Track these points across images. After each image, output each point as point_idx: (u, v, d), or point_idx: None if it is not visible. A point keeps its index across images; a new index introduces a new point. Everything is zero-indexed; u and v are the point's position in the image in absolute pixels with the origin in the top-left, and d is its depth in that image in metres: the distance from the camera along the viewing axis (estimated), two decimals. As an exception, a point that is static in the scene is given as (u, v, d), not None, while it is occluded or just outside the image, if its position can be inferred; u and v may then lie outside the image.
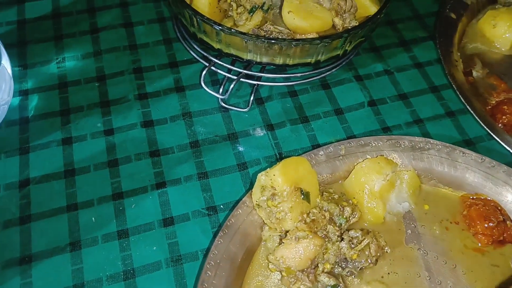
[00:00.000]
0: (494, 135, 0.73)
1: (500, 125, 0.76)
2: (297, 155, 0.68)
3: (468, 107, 0.76)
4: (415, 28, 0.91)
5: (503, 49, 0.86)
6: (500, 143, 0.73)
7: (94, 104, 0.75)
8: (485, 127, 0.74)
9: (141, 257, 0.61)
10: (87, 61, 0.80)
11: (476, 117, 0.75)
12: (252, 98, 0.75)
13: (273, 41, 0.66)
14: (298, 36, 0.71)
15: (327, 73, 0.78)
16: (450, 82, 0.80)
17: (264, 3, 0.73)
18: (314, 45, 0.67)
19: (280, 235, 0.60)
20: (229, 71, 0.76)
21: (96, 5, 0.88)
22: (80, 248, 0.61)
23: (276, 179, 0.59)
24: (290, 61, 0.70)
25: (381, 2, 0.77)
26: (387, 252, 0.62)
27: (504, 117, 0.76)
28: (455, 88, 0.78)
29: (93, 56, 0.81)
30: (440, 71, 0.84)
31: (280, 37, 0.70)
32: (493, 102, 0.80)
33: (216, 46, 0.71)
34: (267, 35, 0.70)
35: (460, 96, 0.77)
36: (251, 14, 0.72)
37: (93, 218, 0.64)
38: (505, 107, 0.77)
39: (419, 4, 0.95)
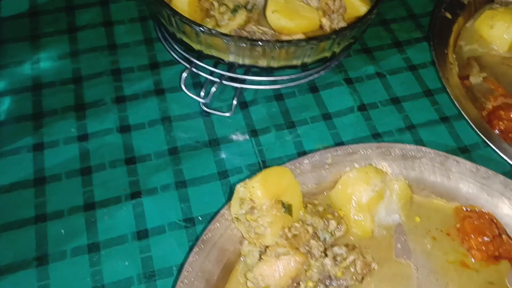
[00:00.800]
0: (490, 143, 0.69)
1: (496, 131, 0.72)
2: (281, 164, 0.64)
3: (462, 112, 0.72)
4: (409, 28, 0.87)
5: (501, 51, 0.82)
6: (496, 152, 0.69)
7: (68, 108, 0.71)
8: (480, 134, 0.70)
9: (112, 272, 0.58)
10: (64, 61, 0.76)
11: (471, 124, 0.71)
12: (235, 102, 0.71)
13: (255, 42, 0.62)
14: (283, 37, 0.68)
15: (315, 75, 0.74)
16: (444, 85, 0.76)
17: (248, 2, 0.69)
18: (300, 47, 0.63)
19: (260, 251, 0.56)
20: (211, 73, 0.72)
21: (75, 2, 0.84)
22: (47, 263, 0.57)
23: (255, 191, 0.55)
24: (274, 64, 0.66)
25: (372, 2, 0.73)
26: (374, 269, 0.59)
27: (501, 123, 0.73)
28: (449, 92, 0.74)
29: (70, 56, 0.77)
30: (434, 74, 0.80)
31: (263, 38, 0.66)
32: (490, 107, 0.76)
33: (197, 47, 0.67)
34: (250, 36, 0.66)
35: (454, 100, 0.73)
36: (234, 13, 0.68)
37: (62, 230, 0.60)
38: (502, 112, 0.74)
39: (415, 4, 0.91)
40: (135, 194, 0.64)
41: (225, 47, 0.64)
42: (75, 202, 0.62)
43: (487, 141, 0.70)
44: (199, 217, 0.63)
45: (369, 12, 0.67)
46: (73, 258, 0.58)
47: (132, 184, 0.65)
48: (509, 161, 0.68)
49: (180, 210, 0.63)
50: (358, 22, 0.65)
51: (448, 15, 0.83)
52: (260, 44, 0.62)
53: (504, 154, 0.69)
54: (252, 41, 0.62)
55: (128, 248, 0.59)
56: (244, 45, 0.62)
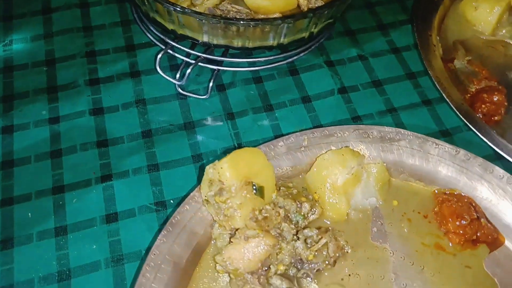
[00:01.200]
0: (471, 126, 0.68)
1: (479, 114, 0.71)
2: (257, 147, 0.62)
3: (444, 95, 0.70)
4: (394, 10, 0.85)
5: (485, 33, 0.80)
6: (478, 135, 0.68)
7: (40, 90, 0.69)
8: (461, 117, 0.68)
9: (79, 256, 0.56)
10: (37, 43, 0.74)
11: (453, 106, 0.69)
12: (211, 84, 0.70)
13: (229, 21, 0.60)
14: (260, 17, 0.66)
15: (295, 57, 0.73)
16: (427, 68, 0.74)
17: (223, -19, 0.67)
18: (275, 26, 0.61)
19: (230, 234, 0.55)
20: (188, 55, 0.70)
21: (51, -17, 0.82)
22: (12, 247, 0.56)
23: (224, 172, 0.53)
24: (250, 44, 0.65)
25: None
26: (347, 252, 0.57)
27: (483, 106, 0.71)
28: (431, 75, 0.72)
29: (44, 38, 0.75)
30: (418, 57, 0.78)
31: (238, 17, 0.64)
32: (473, 90, 0.74)
33: (170, 27, 0.65)
34: (223, 15, 0.64)
35: (436, 83, 0.71)
36: (209, -8, 0.66)
37: (29, 214, 0.59)
38: (485, 95, 0.72)
39: (400, -14, 0.89)
40: (106, 177, 0.62)
41: (198, 26, 0.62)
42: (43, 185, 0.61)
43: (469, 124, 0.68)
44: (171, 201, 0.61)
45: (347, -10, 0.65)
46: (39, 242, 0.57)
47: (103, 167, 0.63)
48: (491, 144, 0.67)
49: (151, 193, 0.62)
50: (336, 1, 0.63)
51: (433, -3, 0.82)
52: (234, 22, 0.60)
53: (486, 137, 0.67)
54: (226, 20, 0.60)
55: (97, 232, 0.58)
56: (217, 24, 0.60)
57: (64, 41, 0.75)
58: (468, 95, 0.73)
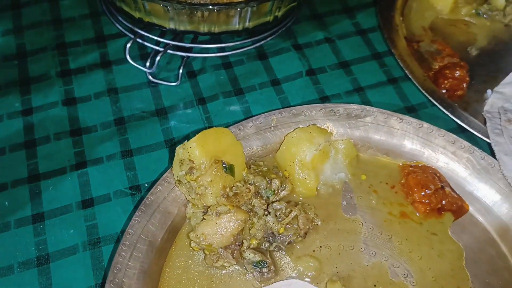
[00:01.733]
0: (434, 101, 0.70)
1: (443, 90, 0.73)
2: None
3: (407, 72, 0.72)
4: (360, -7, 0.88)
5: (444, 12, 0.83)
6: (442, 110, 0.70)
7: (12, 83, 0.70)
8: (424, 92, 0.71)
9: (56, 241, 0.57)
10: (7, 38, 0.75)
11: (416, 83, 0.72)
12: (181, 71, 0.71)
13: (194, 6, 0.62)
14: (224, 1, 0.67)
15: (263, 42, 0.74)
16: (390, 49, 0.76)
17: (187, -32, 0.68)
18: (239, 10, 0.63)
19: (203, 212, 0.57)
20: (157, 43, 0.72)
21: (19, -21, 0.82)
22: (-11, 235, 0.57)
23: (193, 151, 0.55)
24: (215, 29, 0.66)
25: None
26: (317, 225, 0.59)
27: (446, 81, 0.74)
28: (395, 54, 0.74)
29: (13, 32, 0.76)
30: (382, 37, 0.81)
31: (202, 2, 0.66)
32: (437, 67, 0.77)
33: (137, 15, 0.66)
34: (188, 1, 0.66)
35: (399, 61, 0.74)
36: (174, -20, 0.68)
37: (6, 203, 0.60)
38: (448, 71, 0.74)
39: (365, -30, 0.91)
40: (80, 165, 0.64)
41: (164, 13, 0.64)
42: (19, 175, 0.62)
43: (432, 99, 0.71)
44: (145, 184, 0.63)
45: (309, -27, 0.67)
46: (16, 229, 0.58)
47: (77, 155, 0.64)
48: (453, 117, 0.69)
49: (126, 178, 0.63)
50: (298, -16, 0.65)
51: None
52: (198, 7, 0.61)
53: (449, 111, 0.70)
54: (190, 5, 0.62)
55: (73, 217, 0.59)
56: (182, 10, 0.62)
57: (34, 34, 0.76)
58: (432, 72, 0.76)
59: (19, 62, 0.72)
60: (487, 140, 0.66)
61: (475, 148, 0.64)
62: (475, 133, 0.67)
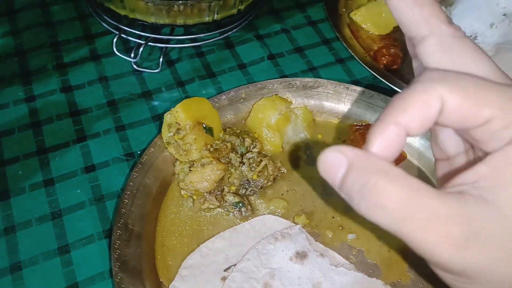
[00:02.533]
0: (374, 73, 0.85)
1: (381, 65, 0.88)
2: (204, 102, 0.77)
3: (351, 52, 0.87)
4: (309, -8, 1.03)
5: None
6: (380, 80, 0.85)
7: (15, 76, 0.81)
8: (366, 67, 0.86)
9: (66, 199, 0.68)
10: (6, 39, 0.86)
11: (359, 60, 0.87)
12: (161, 59, 0.84)
13: (172, 1, 0.75)
14: (196, -1, 0.80)
15: (229, 33, 0.88)
16: (337, 35, 0.91)
17: (163, -29, 0.81)
18: (208, 3, 0.76)
19: (189, 167, 0.69)
20: (139, 37, 0.84)
21: (11, -10, 0.94)
22: (8, 198, 0.67)
23: (179, 115, 0.67)
24: (190, 21, 0.79)
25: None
26: (284, 172, 0.72)
27: (383, 58, 0.89)
28: (340, 38, 0.89)
29: (11, 34, 0.86)
30: (330, 27, 0.95)
31: (178, -2, 0.79)
32: (376, 48, 0.92)
33: (122, 12, 0.79)
34: (166, -2, 0.79)
35: (345, 44, 0.88)
36: (153, -18, 0.80)
37: (20, 172, 0.70)
38: (384, 50, 0.90)
39: (313, -28, 1.07)
40: (81, 139, 0.75)
41: (146, 9, 0.76)
42: (28, 149, 0.73)
43: (373, 72, 0.86)
44: (138, 151, 0.74)
45: (264, -28, 0.81)
46: (31, 192, 0.69)
47: (77, 131, 0.75)
48: (391, 85, 0.84)
49: (121, 147, 0.74)
50: (255, -19, 0.80)
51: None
52: (175, 2, 0.75)
53: (386, 80, 0.85)
54: (168, 0, 0.75)
55: (79, 180, 0.70)
56: (161, 5, 0.75)
57: (30, 35, 0.87)
58: (372, 52, 0.91)
59: (19, 59, 0.83)
60: None
61: (407, 106, 0.78)
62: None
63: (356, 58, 0.87)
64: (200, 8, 0.77)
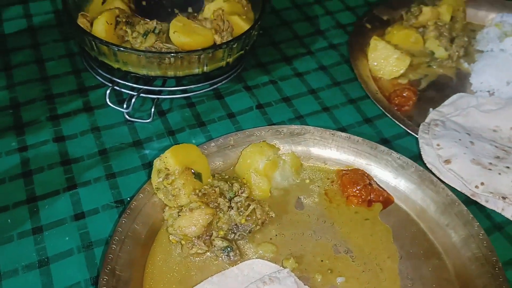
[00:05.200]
0: (386, 112, 0.90)
1: (393, 105, 0.94)
2: (193, 150, 0.78)
3: (366, 91, 0.90)
4: (295, 46, 1.07)
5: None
6: (391, 119, 0.88)
7: (8, 128, 0.83)
8: (378, 105, 0.91)
9: (54, 247, 0.68)
10: (1, 93, 0.88)
11: (372, 99, 0.92)
12: (153, 110, 0.86)
13: (162, 54, 0.79)
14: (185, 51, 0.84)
15: (218, 84, 0.91)
16: (328, 85, 0.96)
17: (155, 27, 0.86)
18: (197, 56, 0.80)
19: (178, 211, 0.69)
20: (132, 89, 0.87)
21: (9, 46, 0.97)
22: (-4, 247, 0.67)
23: (168, 160, 0.69)
24: (180, 73, 0.83)
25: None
26: (272, 217, 0.73)
27: (396, 98, 0.94)
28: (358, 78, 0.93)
29: (7, 88, 0.89)
30: (316, 77, 1.00)
31: (169, 51, 0.82)
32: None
33: (115, 65, 0.82)
34: (157, 50, 0.83)
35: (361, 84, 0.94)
36: (145, 37, 0.85)
37: (8, 220, 0.70)
38: (398, 91, 0.96)
39: (298, 28, 1.12)
40: (72, 187, 0.76)
41: (138, 62, 0.80)
42: (18, 198, 0.73)
43: (384, 111, 0.90)
44: (128, 198, 0.75)
45: (250, 28, 0.85)
46: (19, 240, 0.68)
47: (68, 180, 0.76)
48: (400, 125, 0.88)
49: (111, 195, 0.75)
50: (242, 35, 0.84)
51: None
52: (166, 54, 0.78)
53: (397, 121, 0.89)
54: (160, 53, 0.79)
55: (68, 227, 0.71)
56: (153, 58, 0.78)
57: (24, 89, 0.90)
58: (388, 92, 0.96)
59: (13, 111, 0.86)
60: (416, 135, 0.85)
61: (392, 151, 0.81)
62: (408, 130, 0.87)
63: (370, 96, 0.92)
64: (190, 61, 0.81)
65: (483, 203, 0.78)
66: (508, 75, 0.99)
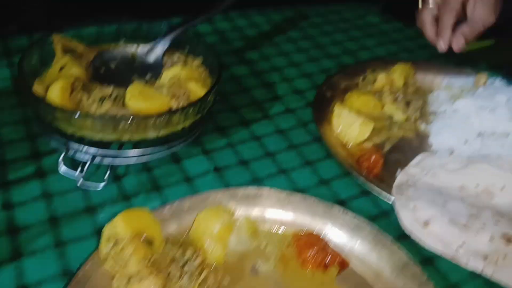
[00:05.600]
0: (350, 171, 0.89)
1: (363, 168, 0.95)
2: (147, 215, 0.77)
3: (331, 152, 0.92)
4: (254, 111, 1.10)
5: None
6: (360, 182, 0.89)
7: (-46, 196, 0.80)
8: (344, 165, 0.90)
9: (-7, 323, 0.64)
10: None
11: (338, 159, 0.94)
12: (107, 175, 0.85)
13: (117, 119, 0.79)
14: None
15: (175, 148, 0.91)
16: (285, 147, 0.98)
17: (111, 93, 0.87)
18: (151, 120, 0.81)
19: (127, 281, 0.67)
20: (87, 154, 0.86)
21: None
22: None
23: (118, 226, 0.67)
24: (135, 137, 0.83)
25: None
26: (225, 285, 0.71)
27: (365, 162, 0.95)
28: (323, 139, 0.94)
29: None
30: (275, 140, 1.02)
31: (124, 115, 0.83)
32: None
33: (69, 130, 0.82)
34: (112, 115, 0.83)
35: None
36: (101, 103, 0.85)
37: None
38: (366, 155, 0.97)
39: (257, 94, 1.16)
40: (16, 256, 0.72)
41: (93, 126, 0.80)
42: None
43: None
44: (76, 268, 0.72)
45: (205, 94, 0.88)
46: (-46, 317, 0.64)
47: (13, 250, 0.73)
48: (374, 187, 0.89)
49: (58, 265, 0.72)
50: (198, 101, 0.86)
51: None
52: (119, 119, 0.79)
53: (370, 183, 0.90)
54: (114, 118, 0.79)
55: (9, 302, 0.67)
56: (108, 122, 0.79)
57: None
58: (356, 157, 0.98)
59: (-39, 179, 0.83)
60: (392, 197, 0.87)
61: (348, 211, 0.81)
62: (384, 193, 0.88)
63: (335, 157, 0.95)
64: (146, 125, 0.81)
65: (463, 265, 0.77)
66: (464, 134, 1.03)
